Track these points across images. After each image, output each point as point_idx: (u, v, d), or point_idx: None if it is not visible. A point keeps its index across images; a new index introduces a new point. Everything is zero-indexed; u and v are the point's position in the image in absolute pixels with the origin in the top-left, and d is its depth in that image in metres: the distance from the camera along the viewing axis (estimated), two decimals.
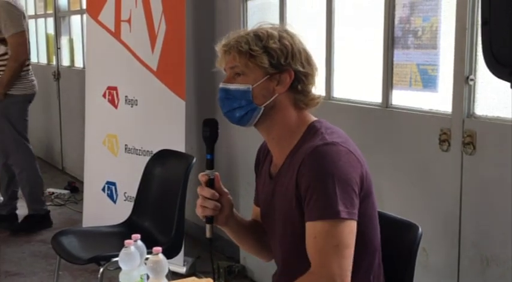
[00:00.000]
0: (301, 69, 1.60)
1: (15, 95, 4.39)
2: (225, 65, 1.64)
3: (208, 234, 1.66)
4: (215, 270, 1.74)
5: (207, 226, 1.66)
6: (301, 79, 1.60)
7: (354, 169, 1.52)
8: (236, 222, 1.76)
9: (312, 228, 1.50)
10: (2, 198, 4.85)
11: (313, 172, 1.50)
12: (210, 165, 1.65)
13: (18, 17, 4.33)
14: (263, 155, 1.79)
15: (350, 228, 1.49)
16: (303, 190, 1.52)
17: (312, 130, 1.61)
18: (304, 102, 1.63)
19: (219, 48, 1.64)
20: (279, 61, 1.58)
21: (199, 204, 1.64)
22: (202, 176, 1.65)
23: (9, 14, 4.31)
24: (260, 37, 1.58)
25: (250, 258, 3.65)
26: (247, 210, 2.01)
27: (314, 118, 1.67)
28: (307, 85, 1.62)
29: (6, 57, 4.34)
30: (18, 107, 4.44)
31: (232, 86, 1.62)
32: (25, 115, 4.51)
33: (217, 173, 1.66)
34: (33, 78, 4.55)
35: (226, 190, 1.70)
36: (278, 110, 1.62)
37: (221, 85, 1.65)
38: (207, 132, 1.65)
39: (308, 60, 1.62)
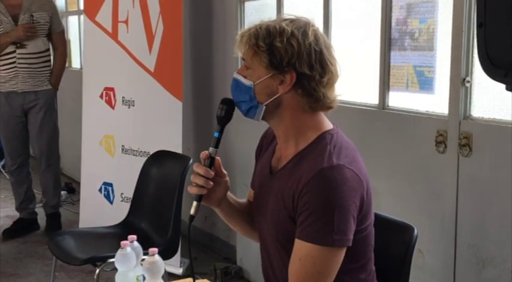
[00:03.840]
0: (307, 72, 1.51)
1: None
2: (240, 54, 1.59)
3: (192, 211, 1.61)
4: (193, 263, 1.74)
5: (194, 203, 1.61)
6: (306, 82, 1.52)
7: (356, 193, 1.49)
8: (229, 204, 1.74)
9: (299, 248, 1.50)
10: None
11: (314, 196, 1.47)
12: (216, 143, 1.60)
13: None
14: (267, 142, 1.75)
15: (338, 257, 1.49)
16: (300, 207, 1.50)
17: (322, 142, 1.55)
18: (311, 106, 1.55)
19: (238, 34, 1.58)
20: (281, 62, 1.50)
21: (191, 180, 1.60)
22: (203, 154, 1.60)
23: (57, 10, 4.44)
24: (270, 33, 1.51)
25: (246, 260, 3.65)
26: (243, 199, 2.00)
27: (329, 125, 1.61)
28: (316, 89, 1.53)
29: (48, 53, 4.36)
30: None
31: (239, 78, 1.58)
32: None
33: (218, 157, 1.63)
34: None
35: (225, 172, 1.67)
36: (284, 109, 1.56)
37: (234, 74, 1.61)
38: (223, 111, 1.59)
39: (321, 63, 1.52)
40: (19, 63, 4.22)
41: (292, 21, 1.55)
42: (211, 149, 1.60)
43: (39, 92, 4.32)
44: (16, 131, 4.36)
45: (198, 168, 1.60)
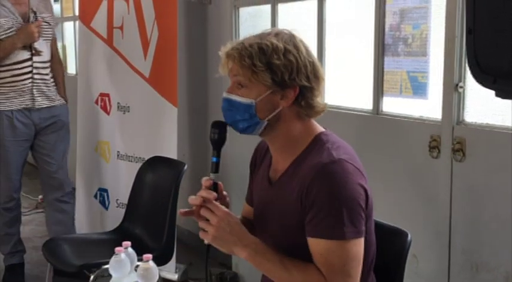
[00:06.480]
0: (306, 84, 1.55)
1: None
2: (228, 72, 1.59)
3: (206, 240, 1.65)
4: (208, 277, 1.75)
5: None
6: (306, 93, 1.56)
7: (361, 186, 1.51)
8: None
9: (316, 245, 1.50)
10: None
11: (320, 192, 1.48)
12: (216, 168, 1.60)
13: None
14: (260, 155, 1.77)
15: (357, 247, 1.50)
16: (308, 206, 1.51)
17: (319, 143, 1.58)
18: (308, 114, 1.60)
19: (222, 53, 1.58)
20: (283, 78, 1.52)
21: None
22: (206, 181, 1.59)
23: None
24: (264, 51, 1.52)
25: (242, 265, 3.64)
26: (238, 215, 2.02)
27: (321, 129, 1.65)
28: (313, 98, 1.58)
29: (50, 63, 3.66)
30: None
31: (235, 98, 1.57)
32: None
33: (220, 182, 1.63)
34: None
35: (225, 193, 1.69)
36: (282, 122, 1.59)
37: (224, 95, 1.60)
38: (216, 134, 1.60)
39: (315, 73, 1.57)
40: (35, 74, 3.46)
41: (276, 35, 1.57)
42: (212, 175, 1.60)
43: (55, 108, 3.63)
44: (20, 159, 3.56)
45: (204, 194, 1.57)
